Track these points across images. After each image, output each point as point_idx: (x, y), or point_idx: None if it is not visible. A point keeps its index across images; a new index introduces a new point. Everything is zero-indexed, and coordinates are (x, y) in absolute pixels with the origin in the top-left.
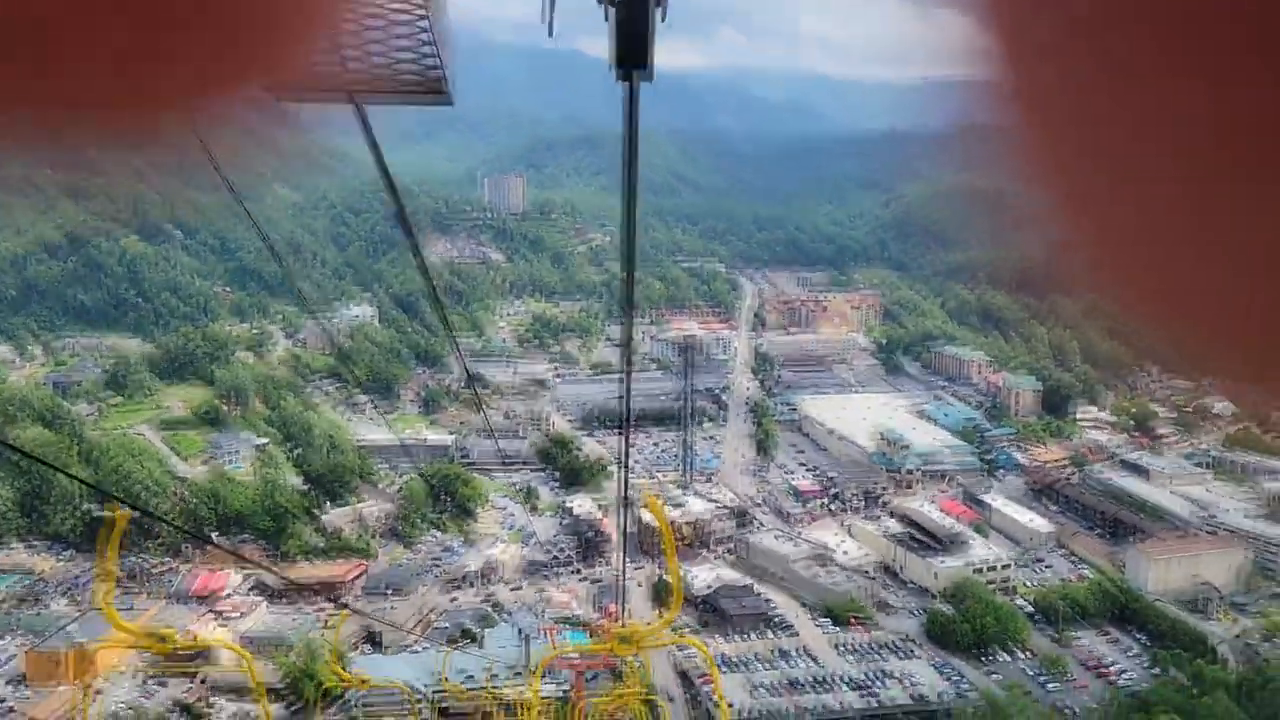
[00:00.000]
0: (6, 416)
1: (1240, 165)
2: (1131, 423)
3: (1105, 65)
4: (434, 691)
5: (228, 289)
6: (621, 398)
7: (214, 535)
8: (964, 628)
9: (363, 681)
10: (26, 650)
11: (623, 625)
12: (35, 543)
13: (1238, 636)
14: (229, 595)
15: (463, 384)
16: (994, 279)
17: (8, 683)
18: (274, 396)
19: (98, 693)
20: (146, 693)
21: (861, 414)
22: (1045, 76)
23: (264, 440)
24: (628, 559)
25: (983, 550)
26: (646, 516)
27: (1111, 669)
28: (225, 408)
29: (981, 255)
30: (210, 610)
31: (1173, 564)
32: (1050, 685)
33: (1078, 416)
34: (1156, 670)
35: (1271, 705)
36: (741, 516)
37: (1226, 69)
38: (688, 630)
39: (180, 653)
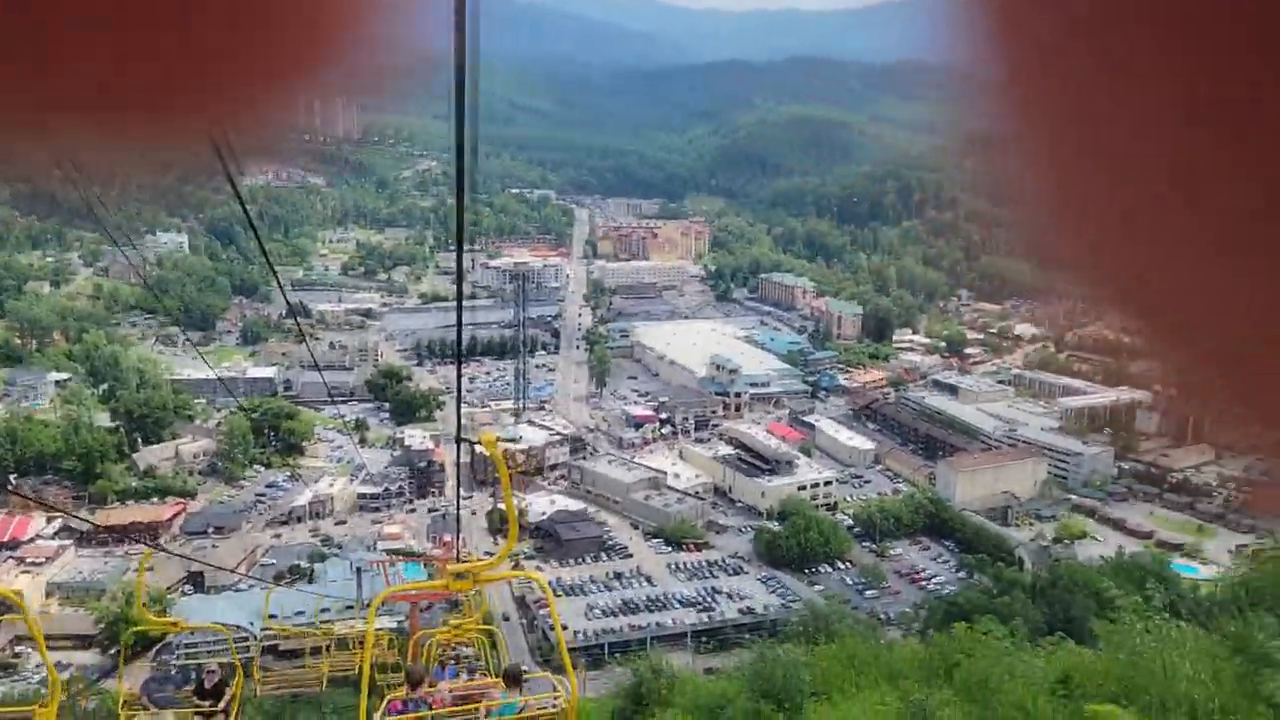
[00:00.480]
0: None
1: (1241, 165)
2: (944, 345)
3: (1105, 65)
4: (262, 630)
5: (17, 214)
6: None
7: (13, 478)
8: (790, 544)
9: (173, 624)
10: None
11: (458, 559)
12: None
13: (1034, 540)
14: (33, 540)
15: (284, 315)
16: (819, 207)
17: None
18: (76, 330)
19: None
20: None
21: (693, 340)
22: (1044, 76)
23: (66, 376)
24: (463, 490)
25: (808, 470)
26: (477, 447)
27: (924, 575)
28: (21, 342)
29: (807, 183)
30: (12, 557)
31: (978, 476)
32: (869, 593)
33: (895, 340)
34: (964, 575)
35: (1062, 602)
36: (577, 444)
37: (1227, 69)
38: (524, 557)
39: None
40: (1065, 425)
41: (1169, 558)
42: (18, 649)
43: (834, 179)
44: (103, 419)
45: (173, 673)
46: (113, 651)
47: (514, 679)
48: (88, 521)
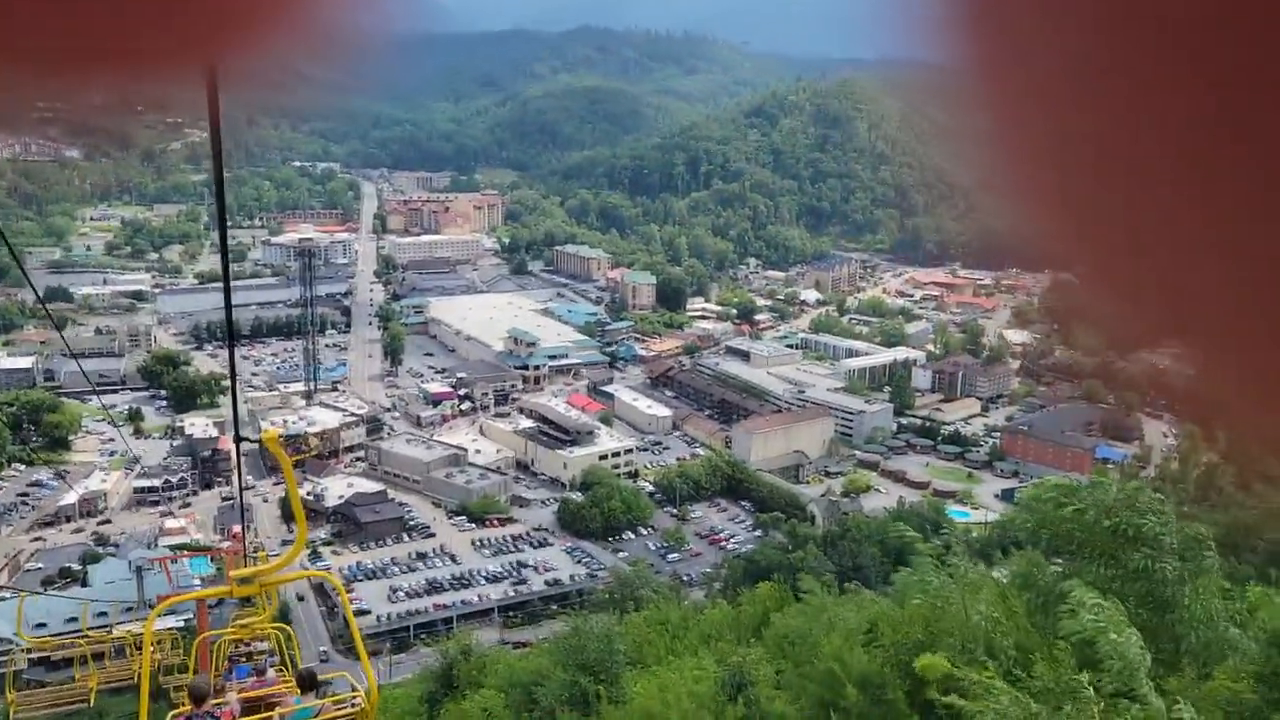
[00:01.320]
0: None
1: (1241, 165)
2: (734, 312)
3: (1107, 65)
4: (23, 644)
5: None
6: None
7: None
8: (594, 513)
9: None
10: None
11: (245, 555)
12: None
13: (824, 496)
14: None
15: (38, 300)
16: (611, 179)
17: None
18: None
19: None
20: None
21: (489, 314)
22: (1046, 75)
23: None
24: (254, 477)
25: (609, 439)
26: (266, 429)
27: (723, 536)
28: None
29: (598, 155)
30: None
31: (771, 438)
32: (671, 557)
33: (689, 308)
34: (760, 533)
35: (850, 552)
36: (373, 424)
37: (1228, 68)
38: (320, 543)
39: None
40: (849, 385)
41: (944, 505)
42: None
43: (624, 150)
44: None
45: None
46: None
47: (309, 683)
48: None
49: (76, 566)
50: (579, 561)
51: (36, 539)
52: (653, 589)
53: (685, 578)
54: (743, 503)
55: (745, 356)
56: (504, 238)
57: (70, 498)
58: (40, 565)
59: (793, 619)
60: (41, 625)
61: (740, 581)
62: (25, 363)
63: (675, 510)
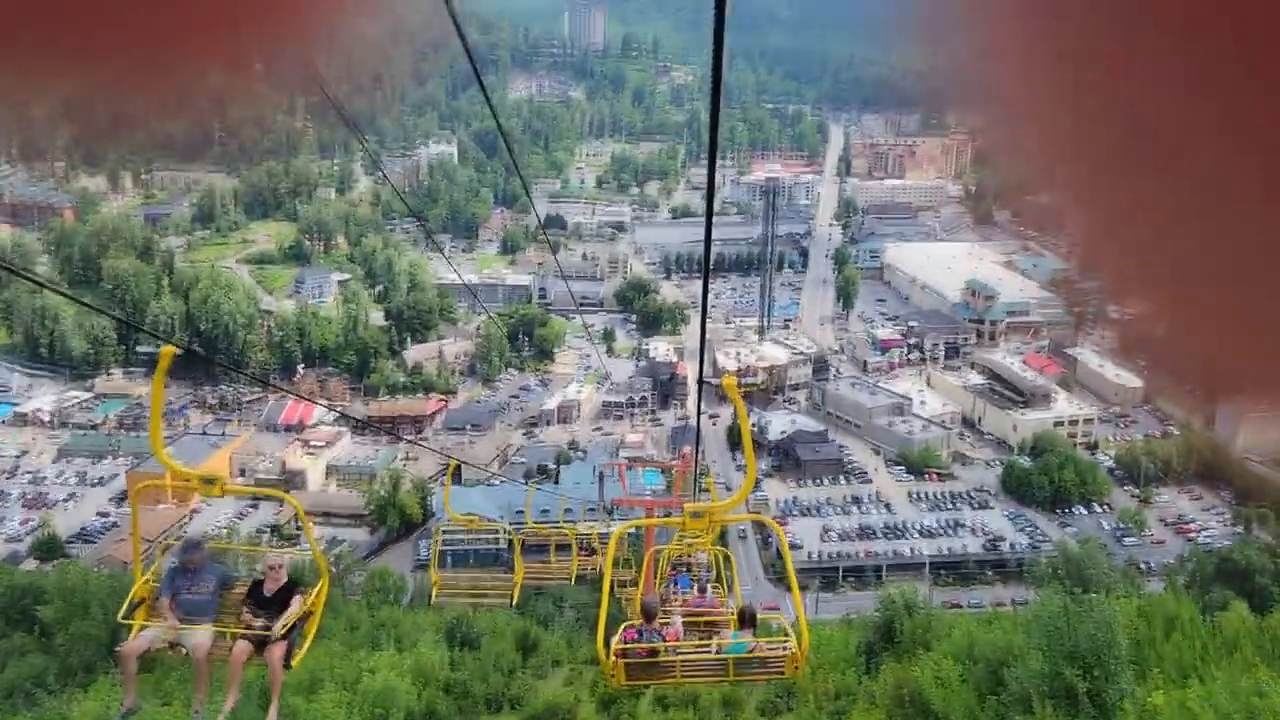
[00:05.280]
0: (100, 247)
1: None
2: None
3: (1120, 62)
4: (514, 525)
5: (308, 123)
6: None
7: (300, 368)
8: (1042, 480)
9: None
10: (127, 471)
11: (694, 475)
12: (133, 370)
13: None
14: (316, 425)
15: (540, 226)
16: None
17: (110, 499)
18: (356, 235)
19: (195, 513)
20: (240, 514)
21: (947, 264)
22: (1061, 67)
23: (347, 277)
24: (704, 405)
25: (1067, 405)
26: (719, 359)
27: (1193, 525)
28: (309, 244)
29: None
30: (299, 439)
31: (1269, 422)
32: (1128, 540)
33: None
34: (1240, 528)
35: None
36: (820, 364)
37: (1238, 69)
38: (761, 474)
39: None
40: None
41: None
42: (298, 524)
43: None
44: (377, 318)
45: (210, 564)
46: (379, 533)
47: (747, 620)
48: (356, 418)
49: (551, 465)
50: (1020, 529)
51: (527, 435)
52: (1105, 571)
53: (1143, 565)
54: (1221, 492)
55: None
56: (970, 183)
57: (551, 403)
58: (524, 460)
59: None
60: (520, 512)
61: (1211, 581)
62: (525, 280)
63: (1138, 490)
